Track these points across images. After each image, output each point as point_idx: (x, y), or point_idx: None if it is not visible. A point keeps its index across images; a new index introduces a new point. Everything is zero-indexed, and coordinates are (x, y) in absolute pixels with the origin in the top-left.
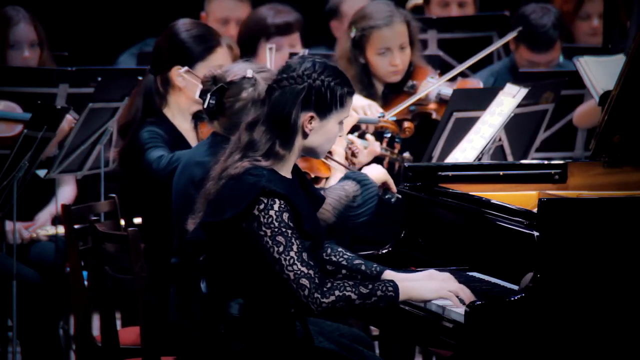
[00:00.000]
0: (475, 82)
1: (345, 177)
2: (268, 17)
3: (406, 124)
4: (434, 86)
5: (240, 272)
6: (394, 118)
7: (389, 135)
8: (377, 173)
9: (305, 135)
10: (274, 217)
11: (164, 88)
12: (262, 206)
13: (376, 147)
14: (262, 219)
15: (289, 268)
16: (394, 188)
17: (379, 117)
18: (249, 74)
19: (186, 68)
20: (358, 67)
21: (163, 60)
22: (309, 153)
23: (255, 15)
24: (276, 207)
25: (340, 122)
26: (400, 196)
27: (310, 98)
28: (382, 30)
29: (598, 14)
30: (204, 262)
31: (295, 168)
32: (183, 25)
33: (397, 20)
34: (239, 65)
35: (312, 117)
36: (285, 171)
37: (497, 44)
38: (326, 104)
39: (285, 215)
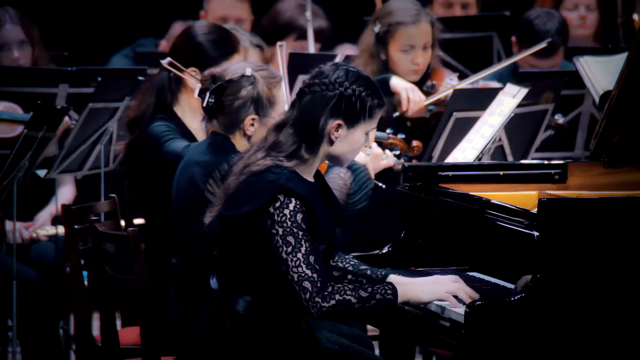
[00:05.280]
0: (497, 86)
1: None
2: (300, 18)
3: (415, 143)
4: (457, 86)
5: (250, 269)
6: (403, 135)
7: (397, 152)
8: (357, 158)
9: (331, 142)
10: (288, 216)
11: (177, 87)
12: (277, 204)
13: (391, 160)
14: (276, 217)
15: (294, 269)
16: (372, 174)
17: (388, 133)
18: (248, 72)
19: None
20: (379, 62)
21: (178, 60)
22: (333, 160)
23: (287, 11)
24: (291, 206)
25: (367, 133)
26: (381, 184)
27: (340, 106)
28: (409, 27)
29: (585, 4)
30: (216, 257)
31: (318, 174)
32: (201, 28)
33: (424, 19)
34: (238, 63)
35: (339, 125)
36: (307, 174)
37: (520, 56)
38: (355, 113)
39: (299, 216)
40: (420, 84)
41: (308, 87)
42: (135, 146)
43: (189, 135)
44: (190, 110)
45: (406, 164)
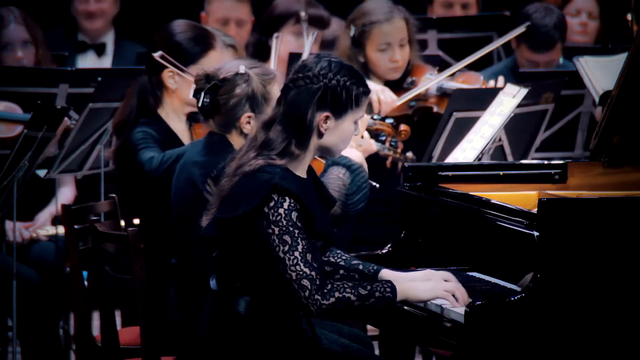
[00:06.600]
0: (476, 76)
1: (333, 163)
2: (296, 5)
3: (402, 127)
4: (433, 81)
5: (249, 269)
6: (391, 120)
7: (384, 138)
8: (354, 157)
9: (320, 135)
10: (283, 215)
11: (158, 89)
12: (272, 203)
13: (372, 145)
14: (271, 217)
15: (292, 268)
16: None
17: (375, 119)
18: (242, 70)
19: (160, 53)
20: (357, 65)
21: (157, 61)
22: (325, 152)
23: (283, 3)
24: (285, 205)
25: (356, 122)
26: (374, 183)
27: (326, 98)
28: (383, 25)
29: (587, 10)
30: (215, 259)
31: (310, 169)
32: (178, 26)
33: (397, 16)
34: (232, 62)
35: (327, 117)
36: (300, 171)
37: (502, 40)
38: (342, 103)
39: (294, 214)
40: (401, 81)
41: (292, 81)
42: (121, 152)
43: (173, 138)
44: (173, 112)
45: (406, 164)
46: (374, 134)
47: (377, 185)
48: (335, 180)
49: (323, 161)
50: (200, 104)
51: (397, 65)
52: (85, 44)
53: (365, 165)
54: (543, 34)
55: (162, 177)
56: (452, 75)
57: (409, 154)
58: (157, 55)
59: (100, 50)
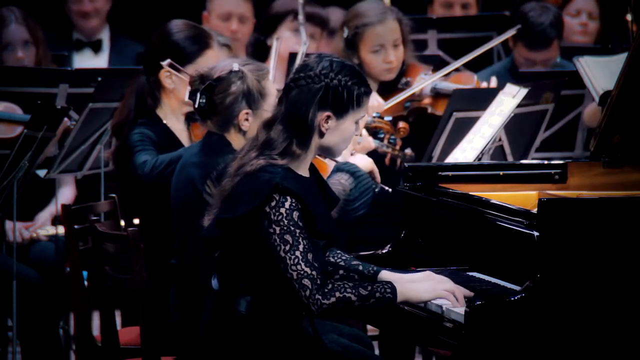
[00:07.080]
0: (469, 76)
1: (337, 169)
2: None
3: (401, 124)
4: (427, 81)
5: (251, 269)
6: (390, 118)
7: (382, 135)
8: (364, 163)
9: (321, 135)
10: (284, 214)
11: (156, 89)
12: (273, 203)
13: (370, 143)
14: (272, 216)
15: (293, 267)
16: (378, 178)
17: (374, 117)
18: (235, 67)
19: (169, 61)
20: None
21: (155, 61)
22: (326, 152)
23: (280, 3)
24: (287, 204)
25: (357, 122)
26: (387, 188)
27: (327, 97)
28: (375, 27)
29: (588, 11)
30: (217, 259)
31: (312, 167)
32: (175, 26)
33: (390, 17)
34: (224, 61)
35: (328, 117)
36: (302, 170)
37: (496, 41)
38: (343, 103)
39: (295, 214)
40: (395, 81)
41: (294, 81)
42: (119, 153)
43: (171, 138)
44: (171, 112)
45: (406, 164)
46: (373, 132)
47: (390, 190)
48: (336, 185)
49: (325, 161)
50: (197, 105)
51: (391, 66)
52: (81, 42)
53: (377, 172)
54: (539, 32)
55: (154, 182)
56: (447, 75)
57: (408, 151)
58: (165, 63)
59: (96, 47)
